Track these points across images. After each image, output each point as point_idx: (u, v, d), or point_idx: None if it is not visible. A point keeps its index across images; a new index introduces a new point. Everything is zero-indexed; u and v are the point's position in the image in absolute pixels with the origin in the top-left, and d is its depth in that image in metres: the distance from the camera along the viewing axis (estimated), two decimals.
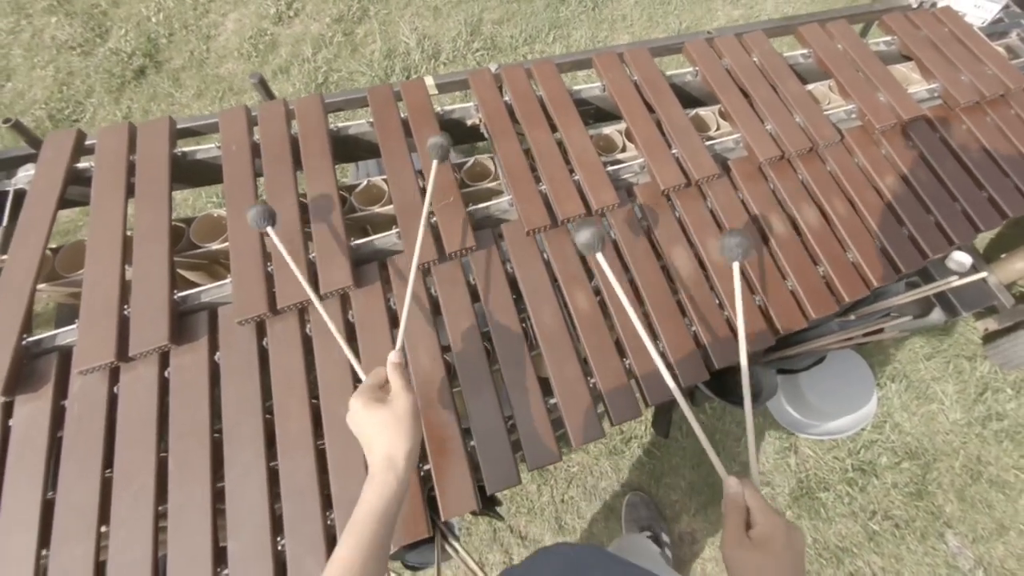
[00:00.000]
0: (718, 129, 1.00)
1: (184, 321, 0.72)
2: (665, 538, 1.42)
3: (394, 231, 0.80)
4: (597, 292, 0.80)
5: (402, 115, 0.91)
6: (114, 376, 0.69)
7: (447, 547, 0.84)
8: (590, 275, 0.80)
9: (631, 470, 1.54)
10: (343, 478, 0.65)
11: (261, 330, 0.73)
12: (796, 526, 0.51)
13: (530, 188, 0.83)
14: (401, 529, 0.63)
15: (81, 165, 0.86)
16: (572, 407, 0.71)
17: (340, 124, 0.94)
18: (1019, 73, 1.08)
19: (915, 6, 1.27)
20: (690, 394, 1.15)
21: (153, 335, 0.69)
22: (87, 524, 0.61)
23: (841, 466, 1.55)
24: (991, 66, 1.08)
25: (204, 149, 0.89)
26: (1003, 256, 1.61)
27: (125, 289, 0.72)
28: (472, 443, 0.69)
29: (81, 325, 0.69)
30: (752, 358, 0.83)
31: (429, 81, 0.99)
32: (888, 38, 1.16)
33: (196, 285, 0.76)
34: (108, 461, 0.65)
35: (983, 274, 1.16)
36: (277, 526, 0.63)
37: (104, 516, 0.62)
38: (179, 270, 0.89)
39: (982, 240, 1.89)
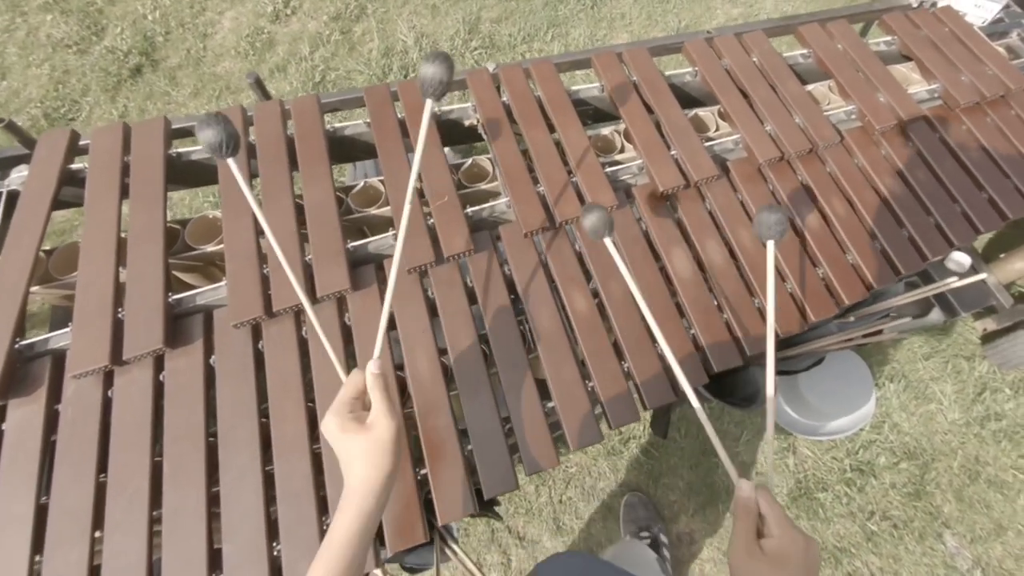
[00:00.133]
0: (717, 130, 1.00)
1: (179, 324, 0.72)
2: (663, 539, 1.42)
3: (391, 233, 0.79)
4: (595, 294, 0.79)
5: (399, 115, 0.90)
6: (108, 380, 0.68)
7: (446, 549, 0.84)
8: (588, 277, 0.80)
9: (629, 470, 1.54)
10: (339, 482, 0.64)
11: (257, 333, 0.72)
12: (815, 541, 0.48)
13: (528, 189, 0.83)
14: (398, 534, 0.63)
15: (75, 166, 0.85)
16: (570, 410, 0.71)
17: (337, 124, 0.93)
18: (1019, 73, 1.08)
19: (915, 6, 1.26)
20: None
21: (147, 338, 0.68)
22: (81, 529, 0.60)
23: (839, 466, 1.55)
24: (991, 66, 1.08)
25: (199, 149, 0.88)
26: (1002, 256, 1.61)
27: (119, 291, 0.72)
28: (469, 447, 0.68)
29: (75, 328, 0.68)
30: (751, 359, 0.83)
31: None
32: (888, 38, 1.16)
33: (191, 287, 0.75)
34: (102, 465, 0.64)
35: (982, 275, 1.15)
36: (272, 530, 0.62)
37: (98, 521, 0.61)
38: (174, 272, 0.88)
39: (980, 239, 1.89)
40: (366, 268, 0.77)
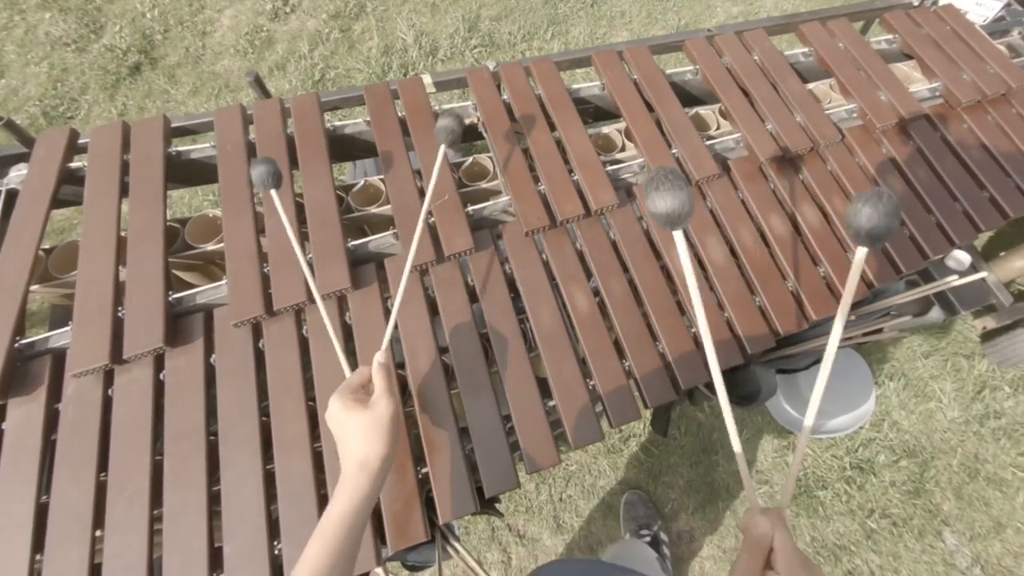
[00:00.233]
0: (718, 128, 0.99)
1: (179, 323, 0.72)
2: (663, 537, 1.42)
3: (391, 231, 0.79)
4: (596, 292, 0.79)
5: (400, 114, 0.90)
6: (108, 379, 0.68)
7: (447, 547, 0.84)
8: (589, 275, 0.80)
9: (629, 468, 1.54)
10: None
11: (257, 332, 0.72)
12: (819, 570, 0.45)
13: (529, 188, 0.83)
14: (400, 532, 0.63)
15: (74, 164, 0.85)
16: (571, 409, 0.71)
17: (337, 123, 0.93)
18: (1020, 72, 1.08)
19: (916, 4, 1.26)
20: (689, 394, 1.15)
21: (148, 337, 0.68)
22: (82, 528, 0.60)
23: (839, 464, 1.56)
24: (993, 64, 1.08)
25: (199, 148, 0.88)
26: (1002, 254, 1.61)
27: (119, 290, 0.71)
28: (470, 445, 0.68)
29: (75, 327, 0.68)
30: (751, 358, 0.83)
31: (427, 79, 0.98)
32: (889, 36, 1.15)
33: (191, 286, 0.75)
34: (103, 464, 0.64)
35: (983, 274, 1.15)
36: (273, 529, 0.62)
37: (99, 520, 0.61)
38: (174, 271, 0.88)
39: (980, 238, 1.89)
40: (366, 267, 0.77)
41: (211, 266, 0.92)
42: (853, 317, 1.08)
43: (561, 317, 0.76)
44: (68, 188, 0.84)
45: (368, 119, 0.91)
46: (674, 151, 0.89)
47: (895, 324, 1.07)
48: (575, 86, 0.99)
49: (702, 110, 1.01)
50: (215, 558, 0.61)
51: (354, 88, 0.97)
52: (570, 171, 0.85)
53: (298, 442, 0.66)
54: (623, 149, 0.95)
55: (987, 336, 1.70)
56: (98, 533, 0.61)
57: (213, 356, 0.71)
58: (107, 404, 0.67)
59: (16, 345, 0.67)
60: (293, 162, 0.84)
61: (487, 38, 2.27)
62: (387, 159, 0.84)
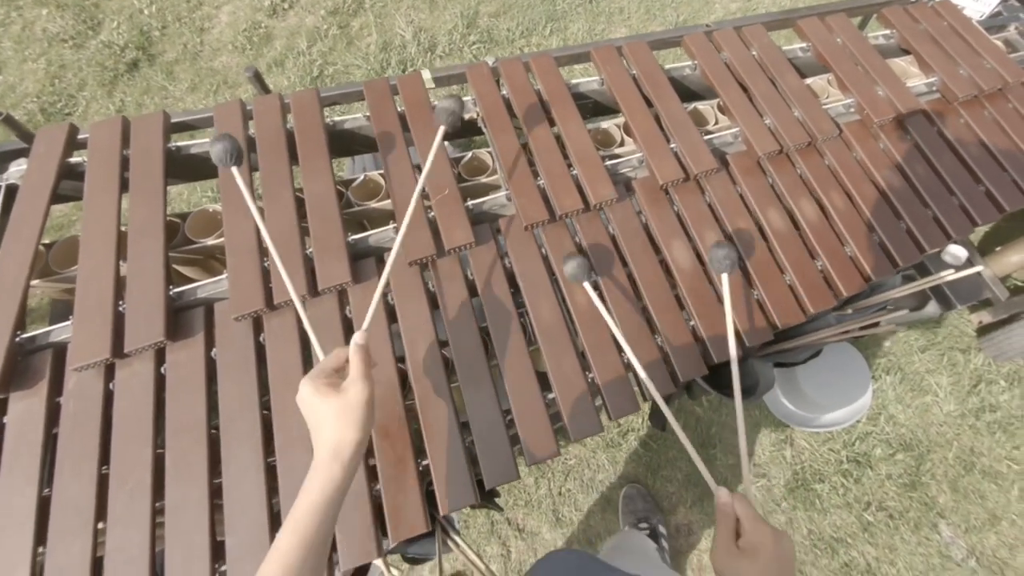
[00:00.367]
0: (717, 123, 1.00)
1: (180, 317, 0.72)
2: (662, 530, 1.43)
3: (391, 226, 0.79)
4: (596, 287, 0.79)
5: (399, 109, 0.90)
6: (109, 373, 0.68)
7: (448, 540, 0.85)
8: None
9: (628, 463, 1.55)
10: None
11: (258, 326, 0.72)
12: (785, 535, 0.53)
13: (528, 183, 0.83)
14: (400, 525, 0.63)
15: (74, 160, 0.85)
16: (570, 402, 0.71)
17: (336, 118, 0.93)
18: (1017, 67, 1.08)
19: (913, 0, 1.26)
20: (687, 387, 1.16)
21: (148, 331, 0.68)
22: (84, 521, 0.61)
23: (836, 458, 1.57)
24: (989, 60, 1.08)
25: (199, 144, 0.88)
26: (998, 249, 1.62)
27: (120, 285, 0.72)
28: (470, 438, 0.69)
29: (75, 322, 0.68)
30: (749, 351, 0.83)
31: (426, 75, 0.98)
32: (887, 31, 1.16)
33: (192, 280, 0.75)
34: (104, 458, 0.64)
35: (979, 268, 1.16)
36: (275, 522, 0.63)
37: (101, 513, 0.62)
38: (174, 266, 0.88)
39: (976, 232, 1.90)
40: (367, 261, 0.77)
41: (211, 260, 0.92)
42: (850, 311, 1.09)
43: (560, 311, 0.76)
44: (68, 183, 0.84)
45: (367, 114, 0.91)
46: (672, 146, 0.89)
47: (891, 318, 1.08)
48: (574, 81, 0.99)
49: (700, 105, 1.01)
50: (217, 551, 0.62)
51: (353, 84, 0.97)
52: (569, 166, 0.86)
53: (299, 435, 0.66)
54: (622, 144, 0.96)
55: (983, 330, 1.71)
56: (100, 526, 0.61)
57: (214, 350, 0.71)
58: (108, 398, 0.67)
59: (17, 339, 0.67)
60: (293, 157, 0.84)
61: (485, 34, 2.27)
62: (387, 154, 0.84)
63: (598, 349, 0.75)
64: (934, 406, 1.65)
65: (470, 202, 0.82)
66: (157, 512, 0.63)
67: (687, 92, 1.08)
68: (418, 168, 0.85)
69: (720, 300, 0.81)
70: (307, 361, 0.71)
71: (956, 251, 1.46)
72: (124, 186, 0.81)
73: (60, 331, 0.70)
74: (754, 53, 1.04)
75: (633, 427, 1.59)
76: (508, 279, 0.78)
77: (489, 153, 0.93)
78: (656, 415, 1.36)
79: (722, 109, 1.00)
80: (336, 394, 0.49)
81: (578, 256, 0.73)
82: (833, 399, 1.56)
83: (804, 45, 1.10)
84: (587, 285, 0.73)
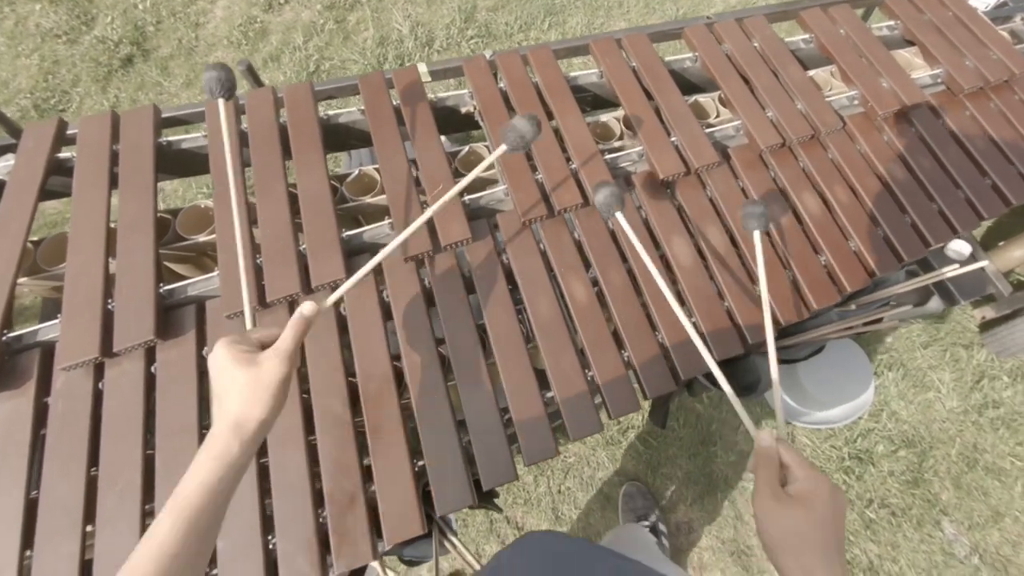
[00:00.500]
0: (718, 116, 0.98)
1: (170, 315, 0.70)
2: (662, 527, 1.42)
3: (386, 221, 0.78)
4: (595, 283, 0.78)
5: (395, 103, 0.88)
6: (98, 372, 0.67)
7: (445, 542, 0.83)
8: (587, 265, 0.79)
9: (628, 460, 1.54)
10: (335, 474, 0.64)
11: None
12: (839, 487, 0.47)
13: (526, 177, 0.81)
14: (396, 526, 0.62)
15: (63, 155, 0.83)
16: (569, 400, 0.70)
17: (331, 112, 0.91)
18: (1023, 58, 1.06)
19: None
20: (688, 385, 1.14)
21: (138, 330, 0.67)
22: (72, 523, 0.59)
23: (838, 455, 1.56)
24: (995, 51, 1.06)
25: (190, 139, 0.86)
26: (1001, 244, 1.60)
27: (109, 283, 0.70)
28: (467, 437, 0.68)
29: (63, 320, 0.67)
30: (751, 348, 0.82)
31: (422, 68, 0.96)
32: (891, 22, 1.14)
33: (183, 278, 0.74)
34: (93, 459, 0.63)
35: (983, 263, 1.14)
36: (267, 524, 0.62)
37: (90, 515, 0.60)
38: (165, 263, 0.87)
39: (979, 227, 1.88)
40: (361, 257, 0.76)
41: (203, 257, 0.91)
42: (853, 307, 1.08)
43: (559, 308, 0.75)
44: (57, 180, 0.82)
45: (363, 108, 0.89)
46: (673, 139, 0.87)
47: (895, 313, 1.07)
48: (573, 74, 0.97)
49: (701, 98, 1.00)
50: None
51: (349, 77, 0.96)
52: (568, 160, 0.84)
53: (292, 435, 0.65)
54: (621, 138, 0.94)
55: (986, 326, 1.70)
56: (89, 528, 0.60)
57: (205, 348, 0.69)
58: (97, 398, 0.66)
59: (4, 339, 0.66)
60: (286, 152, 0.82)
61: (484, 29, 2.24)
62: (382, 148, 0.83)
63: (597, 346, 0.73)
64: (937, 402, 1.64)
65: (467, 197, 0.81)
66: (147, 514, 0.61)
67: (688, 84, 1.06)
68: (414, 163, 0.83)
69: (721, 295, 0.79)
70: (303, 363, 0.70)
71: (959, 246, 1.45)
72: (114, 182, 0.79)
73: (48, 330, 0.69)
74: (756, 45, 1.02)
75: (633, 424, 1.58)
76: (506, 275, 0.77)
77: (486, 147, 0.91)
78: (656, 412, 1.36)
79: (723, 102, 0.98)
80: (250, 365, 0.44)
81: (610, 184, 0.69)
82: (835, 395, 1.54)
83: (807, 36, 1.08)
84: (620, 216, 0.68)
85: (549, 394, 0.71)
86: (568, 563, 0.58)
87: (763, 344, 1.03)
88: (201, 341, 0.70)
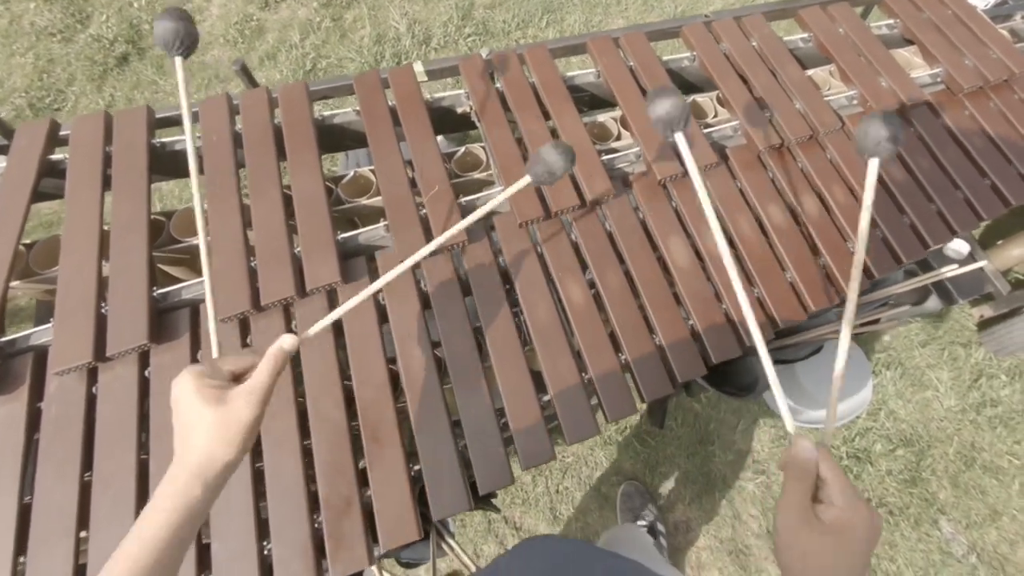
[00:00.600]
0: (716, 116, 0.98)
1: (164, 319, 0.70)
2: (660, 527, 1.42)
3: (382, 224, 0.77)
4: (592, 285, 0.78)
5: (391, 103, 0.88)
6: (92, 376, 0.66)
7: (442, 544, 0.83)
8: (584, 267, 0.78)
9: (626, 460, 1.54)
10: (330, 478, 0.63)
11: (245, 327, 0.71)
12: (879, 515, 0.42)
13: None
14: (392, 532, 0.62)
15: (55, 156, 0.82)
16: (566, 403, 0.69)
17: (326, 113, 0.90)
18: (1023, 57, 1.06)
19: None
20: (685, 385, 1.14)
21: (132, 334, 0.66)
22: (66, 529, 0.59)
23: (836, 454, 1.56)
24: (995, 50, 1.05)
25: (184, 139, 0.86)
26: (999, 243, 1.60)
27: (102, 286, 0.70)
28: (464, 441, 0.67)
29: (56, 324, 0.66)
30: (748, 349, 0.81)
31: (418, 67, 0.96)
32: (890, 21, 1.13)
33: (177, 281, 0.73)
34: (87, 464, 0.63)
35: (982, 263, 1.14)
36: (262, 528, 0.61)
37: (83, 520, 0.60)
38: (159, 265, 0.86)
39: (978, 226, 1.88)
40: (357, 260, 0.75)
41: (197, 260, 0.90)
42: None
43: (556, 310, 0.74)
44: (50, 181, 0.82)
45: (358, 109, 0.88)
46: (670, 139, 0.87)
47: (893, 314, 1.06)
48: (570, 74, 0.97)
49: (699, 97, 0.99)
50: (203, 557, 0.60)
51: (344, 77, 0.95)
52: None
53: (287, 439, 0.64)
54: (619, 138, 0.94)
55: (984, 324, 1.69)
56: (83, 534, 0.60)
57: (200, 352, 0.69)
58: (91, 402, 0.65)
59: None
60: (281, 153, 0.82)
61: (481, 26, 2.23)
62: (377, 149, 0.82)
63: (594, 349, 0.73)
64: (935, 401, 1.64)
65: (463, 199, 0.80)
66: None
67: (686, 84, 1.06)
68: (410, 164, 0.82)
69: (719, 297, 0.79)
70: (295, 363, 0.69)
71: (958, 245, 1.44)
72: (107, 183, 0.78)
73: (41, 334, 0.68)
74: (754, 44, 1.01)
75: (631, 424, 1.58)
76: (502, 277, 0.76)
77: (483, 148, 0.90)
78: (654, 413, 1.35)
79: (721, 101, 0.98)
80: (219, 403, 0.41)
81: (671, 94, 0.56)
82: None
83: (805, 35, 1.07)
84: (680, 137, 0.57)
85: (546, 397, 0.70)
86: (566, 565, 0.58)
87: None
88: (195, 345, 0.69)
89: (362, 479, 0.64)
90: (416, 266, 0.76)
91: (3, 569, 0.57)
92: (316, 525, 0.61)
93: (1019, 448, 1.57)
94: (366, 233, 0.77)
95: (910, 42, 1.11)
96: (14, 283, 0.73)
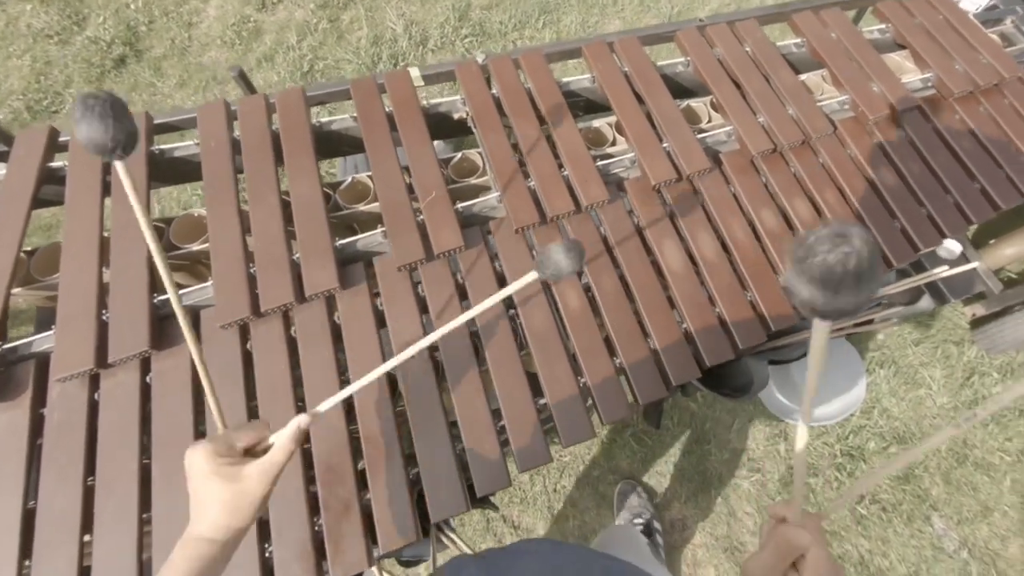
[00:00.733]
0: (709, 121, 0.99)
1: (165, 325, 0.71)
2: (656, 525, 1.44)
3: (379, 230, 0.78)
4: (587, 289, 0.79)
5: (387, 108, 0.89)
6: (94, 383, 0.67)
7: (443, 538, 0.85)
8: (579, 272, 0.79)
9: (623, 459, 1.55)
10: (330, 482, 0.64)
11: (244, 333, 0.71)
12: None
13: (519, 184, 0.82)
14: (391, 533, 0.63)
15: (55, 164, 0.83)
16: (562, 407, 0.71)
17: (323, 119, 0.91)
18: (1013, 62, 1.07)
19: None
20: (680, 386, 1.16)
21: (133, 340, 0.67)
22: (70, 533, 0.60)
23: (830, 452, 1.57)
24: (985, 54, 1.07)
25: (183, 146, 0.86)
26: (992, 242, 1.62)
27: (103, 293, 0.70)
28: (461, 445, 0.68)
29: (58, 331, 0.67)
30: (744, 350, 0.83)
31: (414, 72, 0.97)
32: (882, 26, 1.14)
33: (178, 287, 0.74)
34: (90, 469, 0.64)
35: (974, 264, 1.16)
36: (263, 531, 0.62)
37: (87, 524, 0.61)
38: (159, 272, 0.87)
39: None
40: (355, 266, 0.76)
41: (197, 266, 0.91)
42: None
43: (552, 314, 0.76)
44: (50, 188, 0.82)
45: (355, 115, 0.89)
46: (665, 145, 0.88)
47: (885, 314, 1.08)
48: (565, 79, 0.97)
49: (693, 102, 1.00)
50: None
51: (341, 82, 0.96)
52: (560, 166, 0.84)
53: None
54: (614, 143, 0.95)
55: (976, 323, 1.71)
56: (87, 538, 0.61)
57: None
58: (93, 408, 0.66)
59: None
60: (279, 159, 0.83)
61: (478, 27, 2.23)
62: (374, 155, 0.83)
63: (589, 353, 0.74)
64: (927, 399, 1.65)
65: (459, 204, 0.81)
66: (144, 522, 0.62)
67: (680, 89, 1.07)
68: (407, 169, 0.83)
69: (712, 300, 0.80)
70: (295, 368, 0.70)
71: (950, 245, 1.45)
72: (107, 190, 0.79)
73: (43, 341, 0.69)
74: (747, 49, 1.02)
75: (628, 423, 1.59)
76: (499, 282, 0.77)
77: (479, 154, 0.91)
78: (650, 413, 1.37)
79: (715, 106, 0.99)
80: (233, 481, 0.42)
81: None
82: (827, 393, 1.56)
83: (798, 40, 1.08)
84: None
85: (542, 400, 0.71)
86: (565, 567, 0.59)
87: (755, 347, 1.04)
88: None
89: (361, 482, 0.65)
90: (414, 271, 0.77)
91: (9, 572, 0.58)
92: (316, 527, 0.62)
93: (1010, 445, 1.59)
94: (364, 239, 0.78)
95: (902, 47, 1.12)
96: (15, 290, 0.74)
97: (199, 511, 0.43)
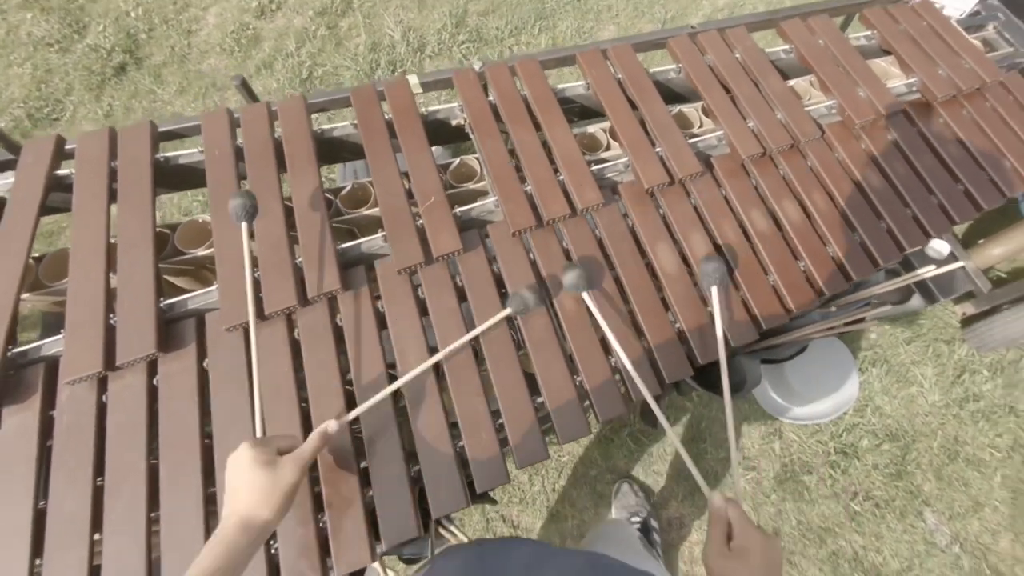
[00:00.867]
0: (701, 126, 1.01)
1: (171, 328, 0.73)
2: (654, 523, 1.46)
3: (380, 234, 0.80)
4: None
5: (387, 115, 0.91)
6: (102, 385, 0.69)
7: (444, 532, 0.86)
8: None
9: (620, 458, 1.57)
10: (334, 481, 0.66)
11: (249, 336, 0.73)
12: (773, 538, 0.56)
13: (515, 189, 0.84)
14: (393, 529, 0.65)
15: (62, 172, 0.85)
16: (559, 406, 0.73)
17: (324, 126, 0.93)
18: (995, 67, 1.10)
19: None
20: (675, 385, 1.18)
21: (140, 344, 0.69)
22: (80, 532, 0.62)
23: (824, 449, 1.60)
24: (968, 60, 1.10)
25: (187, 153, 0.88)
26: (980, 242, 1.65)
27: (110, 297, 0.72)
28: (461, 443, 0.70)
29: (67, 335, 0.69)
30: (736, 349, 0.85)
31: (413, 80, 0.99)
32: (868, 32, 1.17)
33: (183, 291, 0.76)
34: (99, 469, 0.65)
35: (961, 263, 1.18)
36: None
37: (97, 524, 0.63)
38: (165, 276, 0.89)
39: (959, 225, 1.92)
40: (357, 269, 0.78)
41: (203, 270, 0.93)
42: (834, 308, 1.11)
43: (549, 316, 0.78)
44: (56, 196, 0.84)
45: (355, 122, 0.91)
46: (658, 149, 0.90)
47: (876, 313, 1.10)
48: (560, 86, 1.00)
49: (685, 108, 1.03)
50: None
51: (341, 90, 0.98)
52: (556, 171, 0.87)
53: (290, 444, 0.67)
54: (608, 148, 0.97)
55: (967, 322, 1.74)
56: (96, 537, 0.62)
57: (206, 361, 0.72)
58: (102, 410, 0.68)
59: (9, 354, 0.68)
60: (281, 165, 0.85)
61: (474, 33, 2.26)
62: (374, 161, 0.85)
63: (586, 353, 0.76)
64: (919, 397, 1.68)
65: (458, 209, 0.83)
66: (152, 522, 0.64)
67: (672, 95, 1.09)
68: (406, 175, 0.85)
69: (705, 302, 0.82)
70: (298, 369, 0.72)
71: (939, 245, 1.49)
72: (113, 197, 0.81)
73: (52, 344, 0.71)
74: (738, 56, 1.05)
75: (625, 423, 1.61)
76: (497, 284, 0.79)
77: (476, 159, 0.94)
78: (648, 412, 1.39)
79: (706, 112, 1.01)
80: (269, 467, 0.51)
81: (577, 267, 0.75)
82: (820, 392, 1.58)
83: (787, 47, 1.11)
84: (586, 295, 0.75)
85: (539, 399, 0.73)
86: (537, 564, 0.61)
87: (748, 345, 1.06)
88: (202, 353, 0.72)
89: (364, 479, 0.67)
90: (413, 274, 0.79)
91: (20, 571, 0.60)
92: (320, 524, 0.64)
93: (1000, 441, 1.61)
94: (366, 243, 0.80)
95: (887, 53, 1.15)
96: (25, 295, 0.76)
97: (233, 495, 0.50)
